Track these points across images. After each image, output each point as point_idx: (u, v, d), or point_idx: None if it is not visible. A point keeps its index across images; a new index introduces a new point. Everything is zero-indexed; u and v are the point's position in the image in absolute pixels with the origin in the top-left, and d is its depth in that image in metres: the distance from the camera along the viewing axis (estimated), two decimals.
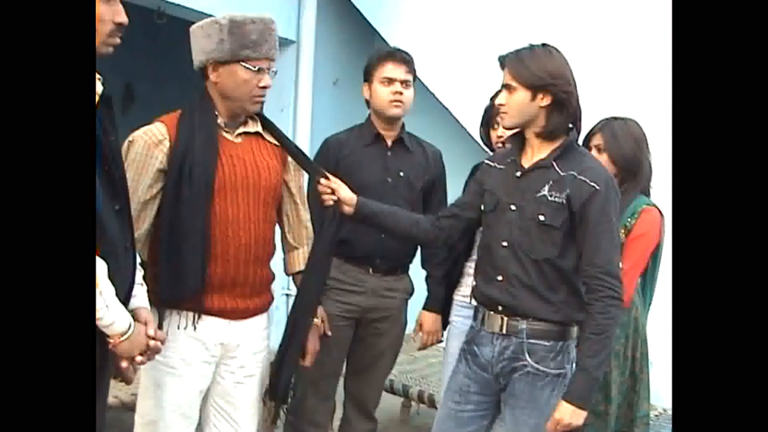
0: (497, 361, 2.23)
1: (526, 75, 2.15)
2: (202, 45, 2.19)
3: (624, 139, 2.67)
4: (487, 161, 2.40)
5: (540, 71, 2.14)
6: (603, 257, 2.12)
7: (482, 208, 2.31)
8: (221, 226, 2.17)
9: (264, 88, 2.21)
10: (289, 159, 2.37)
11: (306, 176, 2.46)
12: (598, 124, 2.70)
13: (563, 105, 2.16)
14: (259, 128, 2.30)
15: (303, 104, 5.11)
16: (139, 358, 1.83)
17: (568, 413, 2.09)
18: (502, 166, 2.31)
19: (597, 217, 2.13)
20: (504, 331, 2.22)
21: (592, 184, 2.14)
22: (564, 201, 2.14)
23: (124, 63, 3.84)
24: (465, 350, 2.34)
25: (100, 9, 1.67)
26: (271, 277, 2.36)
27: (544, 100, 2.15)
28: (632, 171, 2.67)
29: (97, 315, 1.68)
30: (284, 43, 5.13)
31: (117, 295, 1.73)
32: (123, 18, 1.73)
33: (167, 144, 2.16)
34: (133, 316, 1.81)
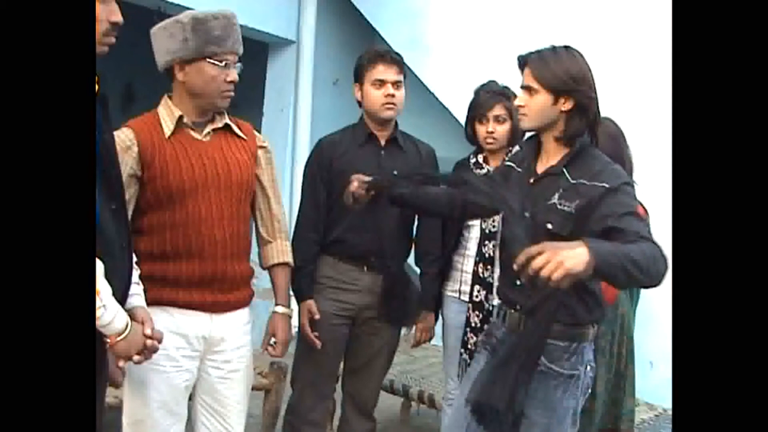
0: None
1: (549, 78, 2.10)
2: (166, 45, 2.20)
3: (602, 140, 2.66)
4: (509, 162, 2.37)
5: (564, 74, 2.09)
6: (636, 230, 1.96)
7: (502, 214, 2.35)
8: (194, 224, 2.20)
9: (231, 82, 2.23)
10: (259, 152, 2.39)
11: (276, 169, 2.51)
12: None
13: (585, 110, 2.12)
14: (227, 120, 2.32)
15: (303, 104, 5.11)
16: (136, 358, 1.83)
17: (574, 251, 1.76)
18: (519, 169, 2.29)
19: (616, 209, 2.02)
20: (521, 329, 2.20)
21: (603, 184, 2.06)
22: (573, 210, 2.08)
23: (124, 63, 3.85)
24: (485, 342, 2.34)
25: (99, 8, 1.67)
26: (251, 272, 2.38)
27: (566, 105, 2.11)
28: None
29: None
30: (284, 43, 5.14)
31: (114, 294, 1.73)
32: (118, 17, 1.73)
33: (136, 149, 2.18)
34: (130, 316, 1.82)
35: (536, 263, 1.76)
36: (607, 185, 2.08)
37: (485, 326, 2.67)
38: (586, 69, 2.14)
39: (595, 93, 2.14)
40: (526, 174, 2.25)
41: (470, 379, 2.34)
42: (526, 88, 2.15)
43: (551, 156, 2.20)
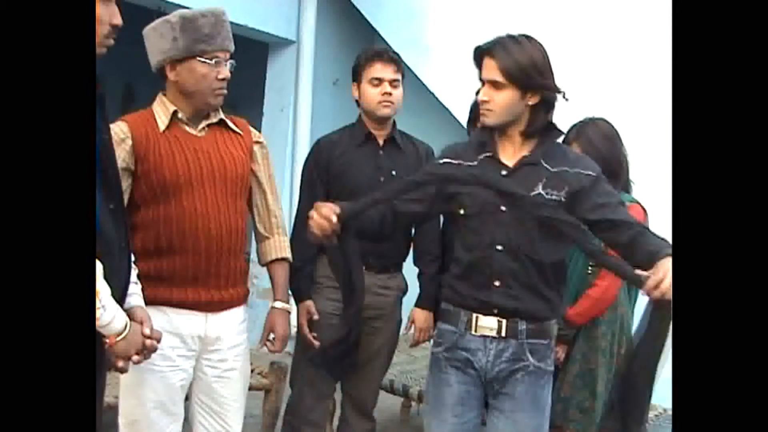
0: (493, 365, 2.13)
1: (517, 73, 2.02)
2: (157, 45, 2.21)
3: (599, 141, 2.66)
4: (447, 159, 2.20)
5: (532, 69, 2.02)
6: (634, 220, 2.11)
7: (461, 211, 2.15)
8: (189, 218, 2.20)
9: (223, 80, 2.23)
10: (255, 148, 2.39)
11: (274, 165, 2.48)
12: (570, 132, 2.65)
13: (550, 104, 2.09)
14: (221, 115, 2.32)
15: (303, 104, 5.11)
16: (135, 358, 1.83)
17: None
18: (471, 163, 2.15)
19: (609, 199, 2.10)
20: (502, 334, 2.11)
21: (588, 172, 2.11)
22: (563, 198, 2.08)
23: (124, 63, 3.84)
24: (450, 358, 2.17)
25: (99, 11, 1.68)
26: (246, 269, 2.38)
27: (533, 99, 2.07)
28: (613, 171, 2.66)
29: None
30: (284, 43, 5.15)
31: (113, 294, 1.73)
32: (119, 20, 1.75)
33: (129, 143, 2.19)
34: (128, 315, 1.82)
35: (665, 287, 1.79)
36: (593, 173, 2.12)
37: None
38: (548, 59, 2.08)
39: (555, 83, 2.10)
40: (490, 167, 2.13)
41: (445, 405, 2.17)
42: (492, 83, 2.05)
43: (519, 147, 2.13)
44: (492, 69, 2.05)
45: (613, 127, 2.72)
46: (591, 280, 2.65)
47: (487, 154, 2.14)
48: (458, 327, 2.16)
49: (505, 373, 2.13)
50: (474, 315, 2.14)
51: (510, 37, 2.07)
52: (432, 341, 2.27)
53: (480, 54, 2.08)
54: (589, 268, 2.66)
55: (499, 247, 2.10)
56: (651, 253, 1.95)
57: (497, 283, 2.12)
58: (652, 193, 2.79)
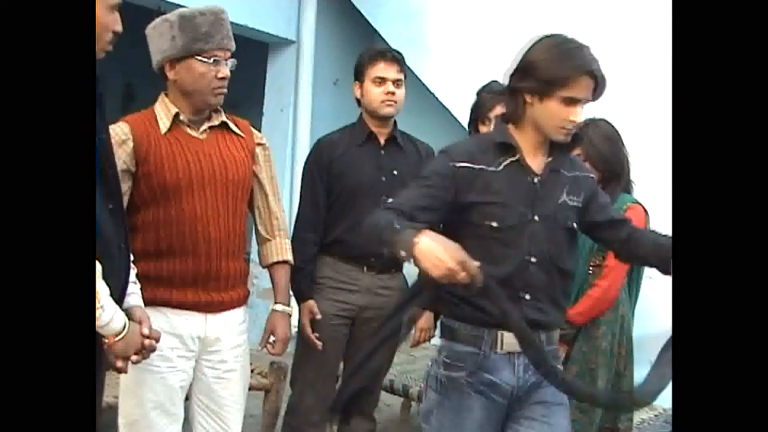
0: (523, 380, 2.03)
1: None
2: (157, 45, 2.22)
3: (600, 142, 2.66)
4: (466, 163, 1.98)
5: None
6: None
7: (492, 224, 1.96)
8: (189, 221, 2.19)
9: (223, 79, 2.22)
10: (257, 150, 2.39)
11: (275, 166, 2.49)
12: None
13: None
14: (223, 117, 2.32)
15: (303, 104, 5.12)
16: (134, 358, 1.83)
17: None
18: (493, 169, 1.99)
19: (605, 197, 2.16)
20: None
21: (591, 175, 2.17)
22: (580, 204, 2.04)
23: (124, 63, 3.84)
24: (473, 383, 2.01)
25: (106, 18, 1.71)
26: (246, 271, 2.37)
27: None
28: (615, 171, 2.68)
29: None
30: (284, 43, 5.15)
31: (111, 294, 1.73)
32: (120, 27, 1.76)
33: (131, 144, 2.18)
34: (127, 315, 1.82)
35: None
36: (593, 175, 2.18)
37: None
38: None
39: None
40: (518, 173, 2.00)
41: (465, 429, 2.01)
42: (581, 102, 1.96)
43: (539, 151, 2.02)
44: (590, 88, 1.96)
45: (614, 127, 2.72)
46: (592, 280, 2.65)
47: (512, 159, 2.00)
48: (481, 348, 2.00)
49: (532, 384, 2.05)
50: (498, 332, 1.99)
51: (588, 47, 1.97)
52: (442, 363, 2.05)
53: (578, 72, 1.93)
54: (590, 268, 2.67)
55: (533, 259, 1.99)
56: (650, 238, 2.07)
57: (527, 297, 2.00)
58: (652, 193, 2.79)
